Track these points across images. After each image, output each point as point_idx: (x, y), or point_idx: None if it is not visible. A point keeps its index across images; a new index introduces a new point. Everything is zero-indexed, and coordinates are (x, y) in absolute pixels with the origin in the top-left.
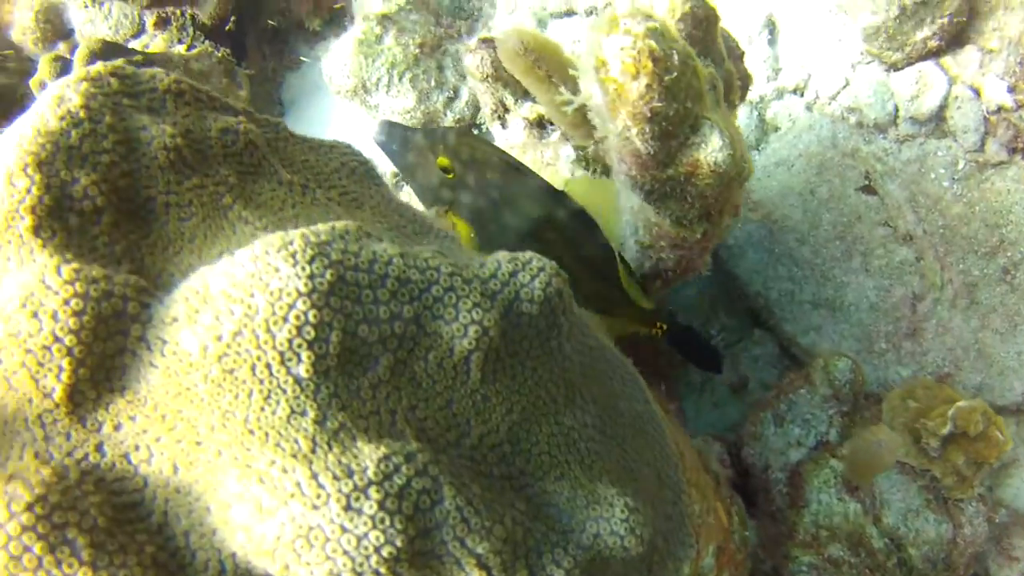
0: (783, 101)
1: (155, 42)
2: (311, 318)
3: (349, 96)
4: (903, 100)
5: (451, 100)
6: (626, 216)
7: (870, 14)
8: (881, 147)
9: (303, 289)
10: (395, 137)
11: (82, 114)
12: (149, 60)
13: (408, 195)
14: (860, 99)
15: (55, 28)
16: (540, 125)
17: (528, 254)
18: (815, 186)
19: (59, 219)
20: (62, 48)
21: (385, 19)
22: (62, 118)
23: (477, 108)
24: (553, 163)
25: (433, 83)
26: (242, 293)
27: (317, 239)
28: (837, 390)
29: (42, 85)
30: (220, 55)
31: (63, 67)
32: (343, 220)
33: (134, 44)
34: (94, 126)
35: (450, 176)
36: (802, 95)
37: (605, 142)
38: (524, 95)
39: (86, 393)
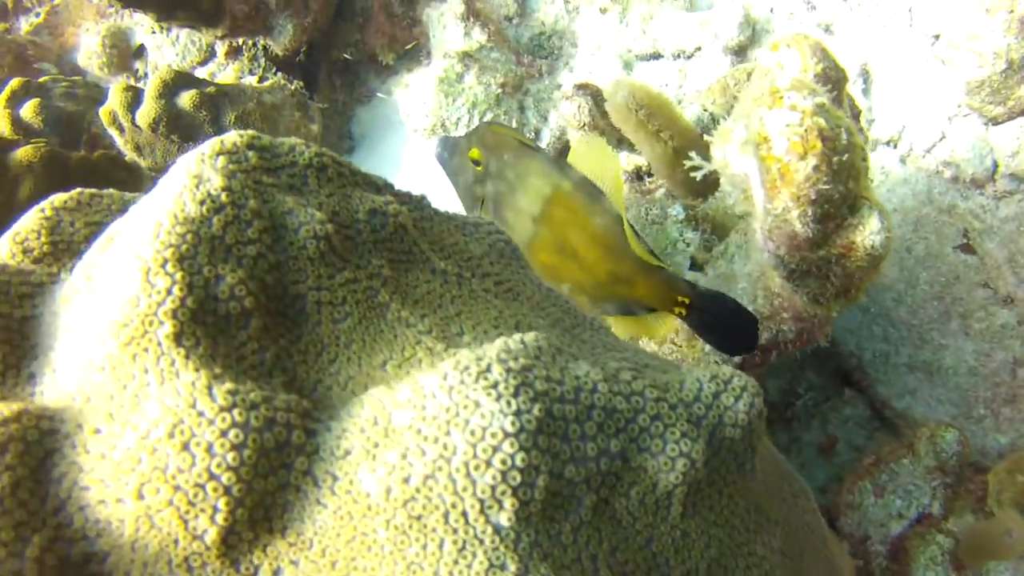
0: (876, 153)
1: (225, 72)
2: (518, 462)
3: (427, 135)
4: (1003, 155)
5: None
6: (742, 283)
7: (975, 67)
8: (979, 204)
9: (510, 429)
10: (447, 146)
11: (224, 197)
12: (223, 92)
13: None
14: (957, 153)
15: (122, 53)
16: (638, 177)
17: (727, 371)
18: (911, 243)
19: (203, 324)
20: (134, 67)
21: (467, 57)
22: (202, 202)
23: (559, 150)
24: (660, 222)
25: (515, 123)
26: (435, 431)
27: (517, 364)
28: (943, 463)
29: (112, 115)
30: (293, 88)
31: (134, 97)
32: (526, 330)
33: (202, 72)
34: (237, 211)
35: (479, 168)
36: (896, 147)
37: (748, 216)
38: (619, 144)
39: (242, 535)
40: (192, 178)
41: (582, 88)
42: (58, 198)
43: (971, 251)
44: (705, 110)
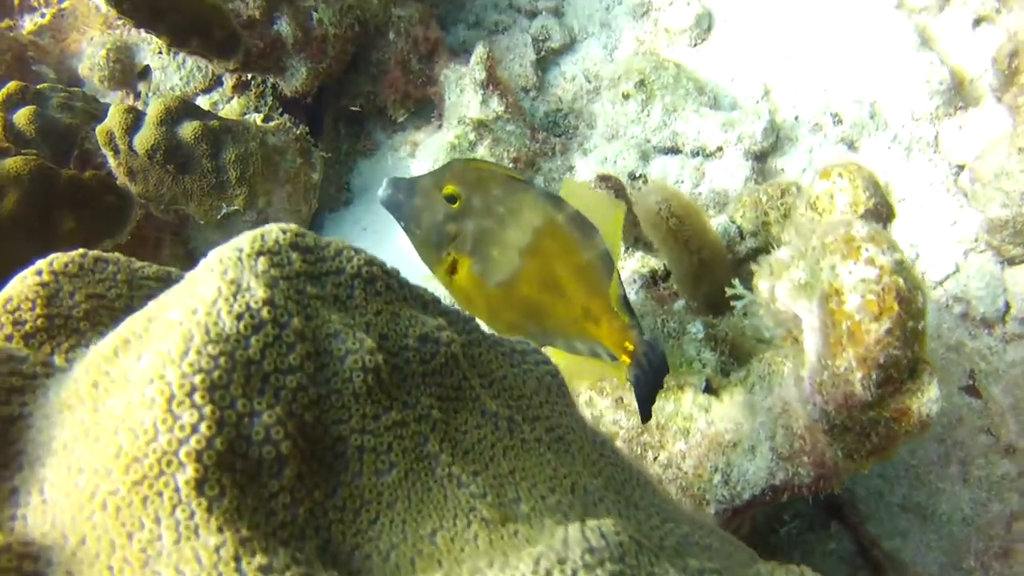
0: None
1: (230, 105)
2: None
3: None
4: (1016, 298)
5: None
6: (761, 417)
7: (1000, 206)
8: (987, 344)
9: None
10: (401, 188)
11: (265, 313)
12: (226, 127)
13: None
14: (970, 289)
15: (125, 68)
16: (653, 281)
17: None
18: None
19: (231, 470)
20: (139, 88)
21: (481, 126)
22: (239, 317)
23: None
24: (677, 337)
25: None
26: None
27: (605, 572)
28: None
29: (109, 135)
30: (298, 132)
31: (134, 120)
32: (582, 493)
33: (204, 100)
34: (279, 331)
35: (455, 205)
36: None
37: (773, 346)
38: (635, 242)
39: None
40: (229, 284)
41: (605, 180)
42: (58, 260)
43: (976, 394)
44: (733, 222)
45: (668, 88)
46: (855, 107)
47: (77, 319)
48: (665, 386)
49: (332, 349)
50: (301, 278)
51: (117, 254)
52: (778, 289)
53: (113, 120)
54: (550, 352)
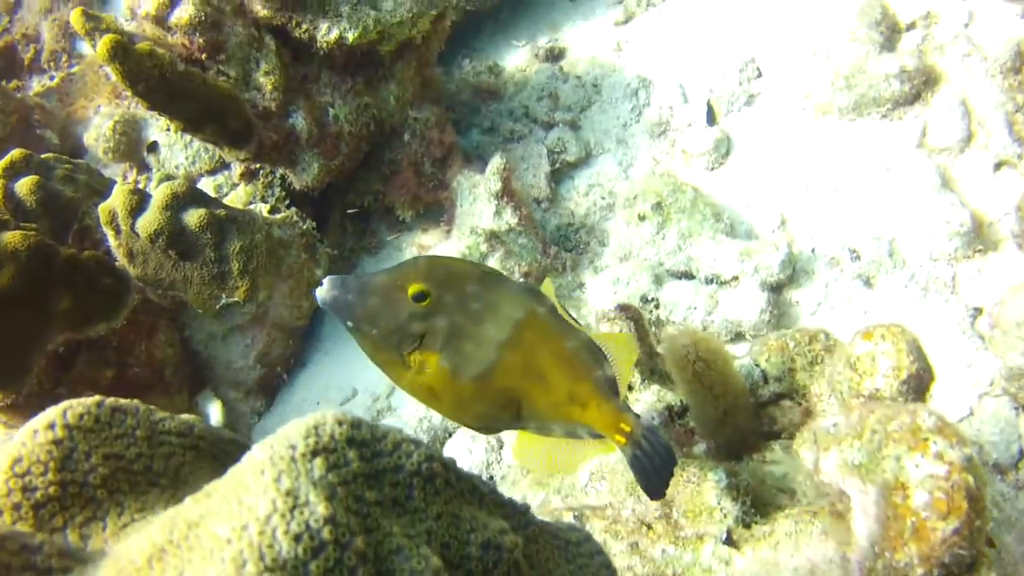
0: None
1: (236, 191)
2: None
3: None
4: None
5: None
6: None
7: (1019, 355)
8: (999, 491)
9: None
10: (349, 288)
11: (327, 534)
12: (232, 217)
13: None
14: (983, 434)
15: (130, 142)
16: (669, 417)
17: None
18: None
19: None
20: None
21: (494, 237)
22: (298, 538)
23: None
24: (697, 483)
25: None
26: None
27: None
28: None
29: (111, 214)
30: (305, 227)
31: (139, 202)
32: None
33: (209, 181)
34: (340, 554)
35: (424, 304)
36: None
37: (826, 527)
38: (651, 374)
39: None
40: (284, 497)
41: (625, 310)
42: (73, 411)
43: (989, 543)
44: (757, 365)
45: (685, 212)
46: (873, 244)
47: (93, 486)
48: (684, 533)
49: (395, 569)
50: (359, 480)
51: (136, 402)
52: (824, 462)
53: (117, 199)
54: (527, 440)
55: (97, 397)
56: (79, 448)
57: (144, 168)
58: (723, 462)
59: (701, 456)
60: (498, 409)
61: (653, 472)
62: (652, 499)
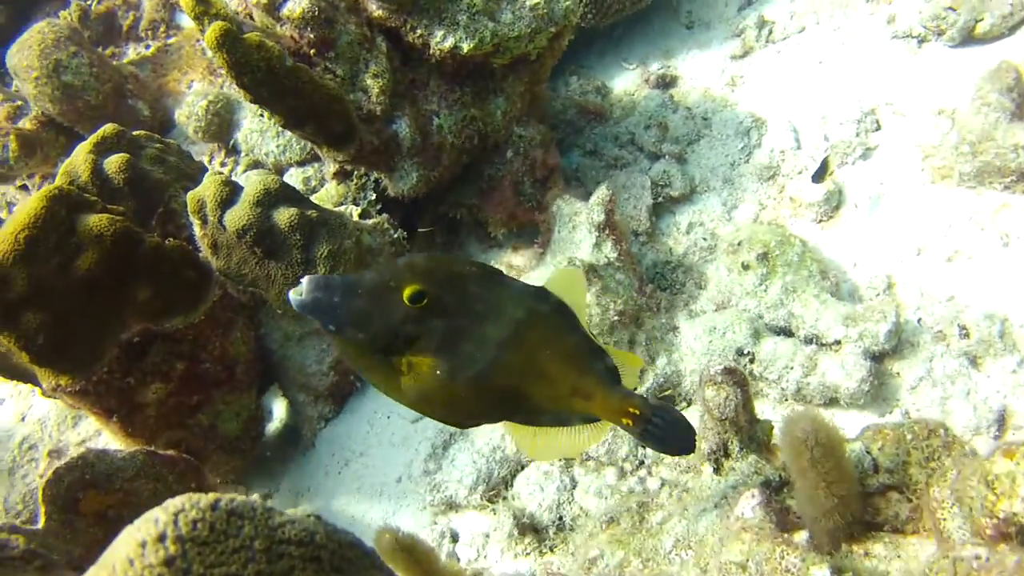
0: None
1: (326, 188)
2: None
3: None
4: None
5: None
6: None
7: None
8: None
9: None
10: (334, 289)
11: None
12: (323, 219)
13: None
14: None
15: (222, 122)
16: (765, 490)
17: None
18: None
19: None
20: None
21: (591, 271)
22: None
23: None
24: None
25: None
26: None
27: None
28: None
29: (200, 203)
30: (396, 236)
31: (230, 194)
32: None
33: (297, 172)
34: None
35: (420, 305)
36: None
37: None
38: (748, 442)
39: None
40: None
41: (731, 374)
42: (185, 517)
43: None
44: (868, 453)
45: (791, 266)
46: (985, 322)
47: None
48: None
49: None
50: None
51: (255, 500)
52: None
53: (208, 190)
54: (523, 431)
55: (212, 497)
56: (193, 570)
57: (233, 151)
58: (822, 553)
59: (803, 546)
60: (492, 408)
61: (674, 437)
62: (683, 456)
